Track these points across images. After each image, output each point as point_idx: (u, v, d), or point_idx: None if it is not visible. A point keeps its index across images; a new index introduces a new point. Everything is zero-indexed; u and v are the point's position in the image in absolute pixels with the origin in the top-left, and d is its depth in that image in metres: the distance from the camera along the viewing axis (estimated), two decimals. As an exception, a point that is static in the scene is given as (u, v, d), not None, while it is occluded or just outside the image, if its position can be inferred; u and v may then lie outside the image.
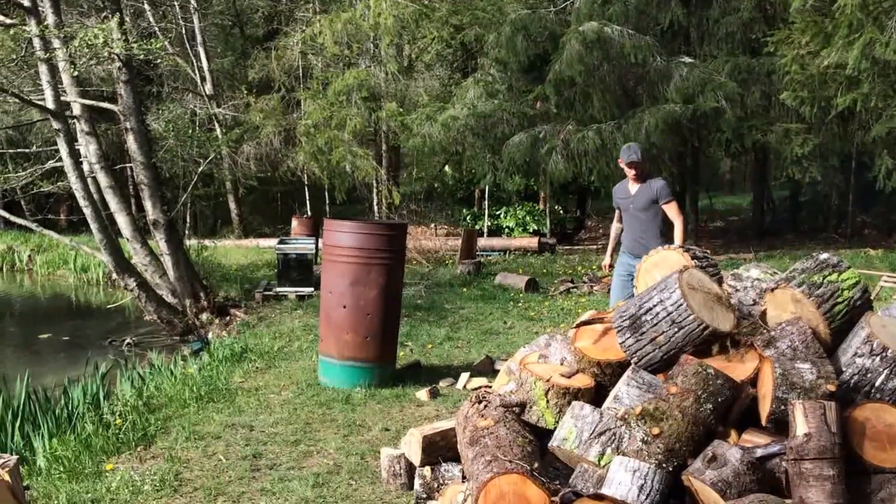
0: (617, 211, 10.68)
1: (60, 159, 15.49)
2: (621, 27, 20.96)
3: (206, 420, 8.75)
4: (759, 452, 5.12)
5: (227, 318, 16.84)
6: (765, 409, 5.33)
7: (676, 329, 5.66)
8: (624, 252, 10.42)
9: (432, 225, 27.88)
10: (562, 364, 6.49)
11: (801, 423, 4.89)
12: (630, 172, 10.18)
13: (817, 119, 19.21)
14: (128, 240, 16.45)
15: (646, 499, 4.89)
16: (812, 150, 20.31)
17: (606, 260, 11.27)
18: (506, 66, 24.02)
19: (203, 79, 27.54)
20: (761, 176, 28.87)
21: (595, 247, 28.24)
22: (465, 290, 17.80)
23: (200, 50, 28.09)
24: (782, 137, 20.59)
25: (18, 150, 24.24)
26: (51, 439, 8.55)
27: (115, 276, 16.80)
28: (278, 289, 18.16)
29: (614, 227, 10.89)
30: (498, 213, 29.59)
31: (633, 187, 10.22)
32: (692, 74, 20.88)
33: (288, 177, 31.03)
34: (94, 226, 15.17)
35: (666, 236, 10.01)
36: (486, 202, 29.36)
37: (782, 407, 5.18)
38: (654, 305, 5.79)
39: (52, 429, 9.02)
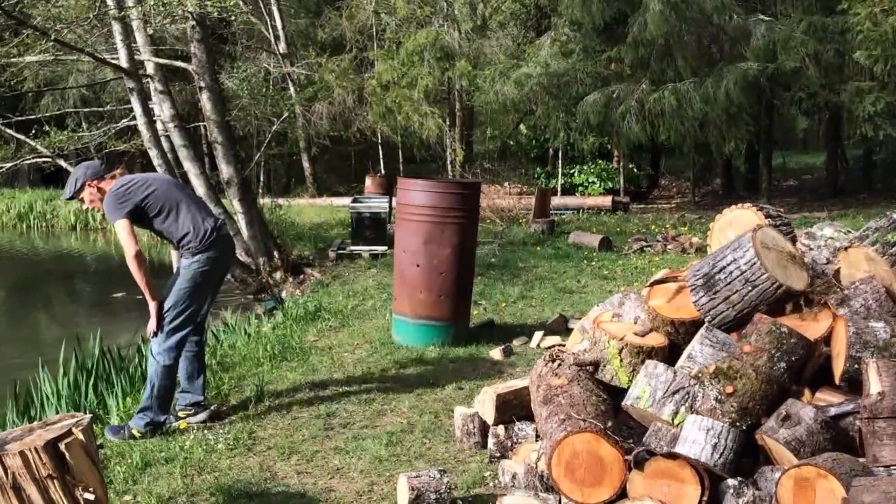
0: None
1: (134, 118, 15.57)
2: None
3: (280, 379, 8.77)
4: (833, 411, 5.08)
5: (301, 276, 16.88)
6: (838, 367, 5.31)
7: (750, 288, 5.61)
8: None
9: (506, 184, 27.78)
10: (635, 323, 6.43)
11: (875, 381, 4.83)
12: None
13: (890, 77, 18.95)
14: (201, 198, 16.51)
15: (719, 458, 4.88)
16: (884, 107, 20.04)
17: None
18: (580, 26, 23.87)
19: (277, 38, 27.54)
20: (835, 134, 28.49)
21: (669, 206, 28.07)
22: (538, 248, 17.71)
23: (274, 9, 28.08)
24: (854, 96, 20.34)
25: (92, 108, 24.42)
26: (124, 398, 8.60)
27: (188, 234, 16.87)
28: (352, 247, 18.16)
29: None
30: (571, 171, 29.45)
31: None
32: (771, 32, 20.64)
33: (357, 137, 31.03)
34: (167, 185, 15.23)
35: None
36: (560, 161, 29.25)
37: (856, 366, 5.18)
38: (728, 264, 5.74)
39: (125, 387, 9.05)
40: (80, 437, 4.52)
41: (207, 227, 7.30)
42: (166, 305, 7.27)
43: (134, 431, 7.23)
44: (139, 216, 7.26)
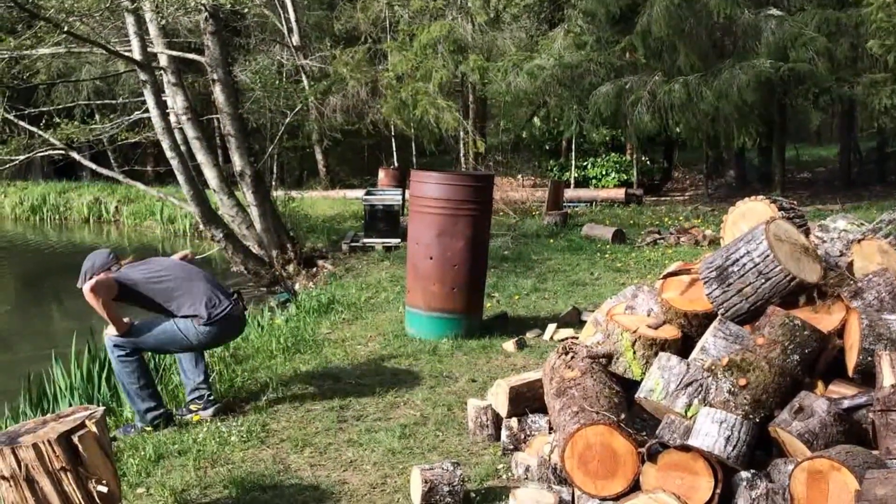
0: None
1: (147, 110, 15.57)
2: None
3: (293, 371, 8.80)
4: (846, 404, 5.06)
5: (314, 269, 16.87)
6: (851, 360, 5.28)
7: (763, 280, 5.58)
8: None
9: (519, 176, 27.77)
10: (648, 315, 6.41)
11: (888, 374, 4.83)
12: None
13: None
14: (214, 191, 16.52)
15: (732, 450, 4.87)
16: (900, 99, 19.99)
17: None
18: (593, 16, 23.81)
19: (290, 30, 27.51)
20: (848, 127, 28.40)
21: (682, 198, 28.01)
22: (551, 241, 17.68)
23: (287, 1, 28.09)
24: (869, 88, 20.26)
25: (105, 101, 24.44)
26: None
27: (201, 227, 16.89)
28: (365, 240, 18.15)
29: None
30: (585, 164, 29.38)
31: None
32: (782, 28, 20.57)
33: (370, 129, 31.00)
34: (180, 177, 15.24)
35: None
36: (573, 153, 29.20)
37: (869, 358, 5.14)
38: (741, 256, 5.71)
39: (138, 380, 9.06)
40: (94, 429, 4.53)
41: (218, 301, 7.39)
42: (148, 334, 7.25)
43: (146, 429, 7.20)
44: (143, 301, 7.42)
